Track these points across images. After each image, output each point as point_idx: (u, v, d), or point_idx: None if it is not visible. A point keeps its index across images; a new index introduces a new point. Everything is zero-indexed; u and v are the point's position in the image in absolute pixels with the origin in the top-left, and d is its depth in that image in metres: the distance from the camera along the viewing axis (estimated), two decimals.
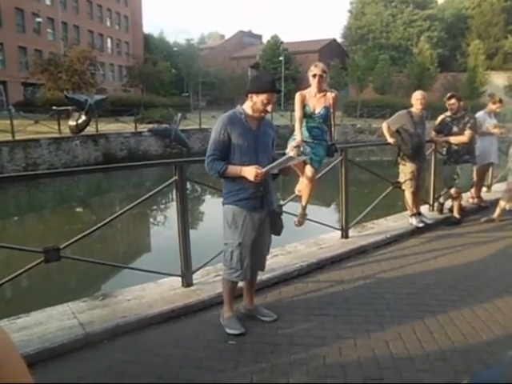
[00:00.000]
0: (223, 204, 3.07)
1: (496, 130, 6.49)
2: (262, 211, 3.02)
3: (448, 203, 6.27)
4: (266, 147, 3.04)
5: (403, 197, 5.79)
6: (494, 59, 46.23)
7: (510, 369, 0.98)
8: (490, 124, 6.52)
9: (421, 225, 5.59)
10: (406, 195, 5.66)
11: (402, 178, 5.63)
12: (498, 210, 5.90)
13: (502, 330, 3.10)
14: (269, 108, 2.91)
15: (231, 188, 2.99)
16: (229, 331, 3.06)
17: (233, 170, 2.89)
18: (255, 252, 3.06)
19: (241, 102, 3.07)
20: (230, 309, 3.18)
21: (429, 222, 5.72)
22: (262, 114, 2.96)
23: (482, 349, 2.87)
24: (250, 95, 2.92)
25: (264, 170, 2.86)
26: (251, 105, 2.92)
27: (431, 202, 6.42)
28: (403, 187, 5.64)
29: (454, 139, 5.78)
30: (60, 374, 2.63)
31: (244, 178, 2.88)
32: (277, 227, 3.14)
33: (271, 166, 2.91)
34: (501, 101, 6.76)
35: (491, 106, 6.69)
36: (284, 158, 3.01)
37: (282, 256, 4.44)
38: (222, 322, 3.15)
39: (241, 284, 3.31)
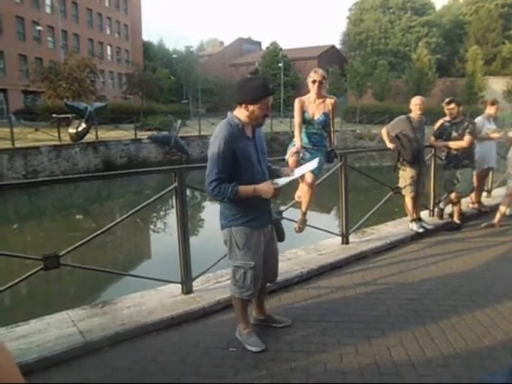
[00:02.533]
0: (229, 226, 2.80)
1: (495, 135, 6.49)
2: (269, 224, 2.95)
3: (448, 208, 6.26)
4: (264, 154, 2.89)
5: (403, 202, 5.78)
6: (492, 64, 46.43)
7: None
8: (488, 129, 6.53)
9: (421, 230, 5.58)
10: (406, 200, 5.65)
11: (401, 184, 5.63)
12: (498, 215, 5.89)
13: (504, 336, 3.08)
14: (268, 112, 2.73)
15: (238, 209, 2.76)
16: (250, 348, 2.91)
17: (245, 190, 2.65)
18: (267, 265, 2.97)
19: (231, 110, 2.83)
20: (246, 325, 3.03)
21: (429, 227, 5.71)
22: (263, 120, 2.77)
23: (483, 354, 2.85)
24: (243, 105, 2.68)
25: (280, 185, 2.70)
26: (247, 114, 2.69)
27: (431, 208, 6.41)
28: (403, 192, 5.64)
29: (453, 144, 5.78)
30: (59, 383, 2.61)
31: (256, 196, 2.70)
32: (281, 234, 3.07)
33: (287, 180, 2.79)
34: (497, 102, 6.76)
35: (489, 110, 6.69)
36: (299, 174, 2.95)
37: (282, 262, 4.39)
38: (239, 338, 3.02)
39: None
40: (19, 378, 0.73)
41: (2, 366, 0.70)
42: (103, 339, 2.98)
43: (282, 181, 2.77)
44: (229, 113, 2.81)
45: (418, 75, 41.11)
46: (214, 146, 2.65)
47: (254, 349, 2.91)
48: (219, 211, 2.90)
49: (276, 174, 2.93)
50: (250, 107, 2.67)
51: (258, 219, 2.80)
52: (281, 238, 3.08)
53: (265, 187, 2.66)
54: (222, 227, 2.87)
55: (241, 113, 2.73)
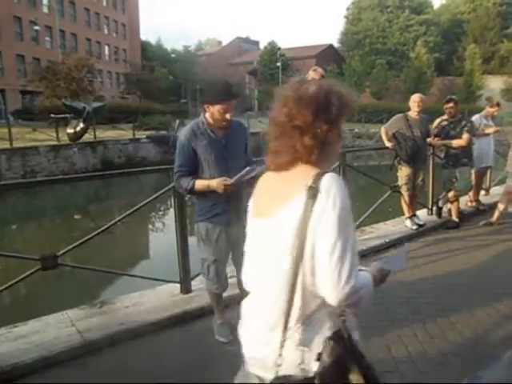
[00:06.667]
0: (196, 221, 3.00)
1: (490, 130, 6.51)
2: (239, 224, 2.79)
3: (447, 207, 6.26)
4: (237, 154, 2.88)
5: (400, 201, 5.80)
6: (491, 63, 46.45)
7: (509, 368, 0.97)
8: (486, 125, 6.56)
9: (414, 227, 5.61)
10: (402, 198, 5.69)
11: (400, 183, 5.65)
12: (496, 214, 5.89)
13: (503, 333, 3.09)
14: (228, 116, 2.72)
15: (204, 205, 2.92)
16: (217, 337, 3.07)
17: (200, 184, 2.77)
18: (241, 265, 3.00)
19: (203, 111, 2.85)
20: (220, 316, 3.17)
21: (420, 222, 5.72)
22: (224, 123, 2.77)
23: (483, 352, 2.86)
24: (205, 106, 2.75)
25: (232, 181, 2.71)
26: (209, 115, 2.76)
27: (430, 206, 6.41)
28: (401, 191, 5.67)
29: (451, 143, 5.78)
30: (58, 382, 2.60)
31: (216, 192, 2.75)
32: None
33: (237, 176, 2.72)
34: (498, 104, 6.80)
35: (488, 109, 6.71)
36: (245, 170, 2.74)
37: None
38: (214, 326, 3.16)
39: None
40: None
41: None
42: (102, 339, 2.98)
43: (235, 177, 2.73)
44: (201, 114, 2.87)
45: (417, 74, 41.11)
46: (178, 143, 2.85)
47: (220, 339, 3.04)
48: None
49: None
50: (211, 108, 2.73)
51: (220, 216, 2.88)
52: None
53: (215, 182, 2.73)
54: (195, 221, 3.05)
55: (207, 114, 2.80)
